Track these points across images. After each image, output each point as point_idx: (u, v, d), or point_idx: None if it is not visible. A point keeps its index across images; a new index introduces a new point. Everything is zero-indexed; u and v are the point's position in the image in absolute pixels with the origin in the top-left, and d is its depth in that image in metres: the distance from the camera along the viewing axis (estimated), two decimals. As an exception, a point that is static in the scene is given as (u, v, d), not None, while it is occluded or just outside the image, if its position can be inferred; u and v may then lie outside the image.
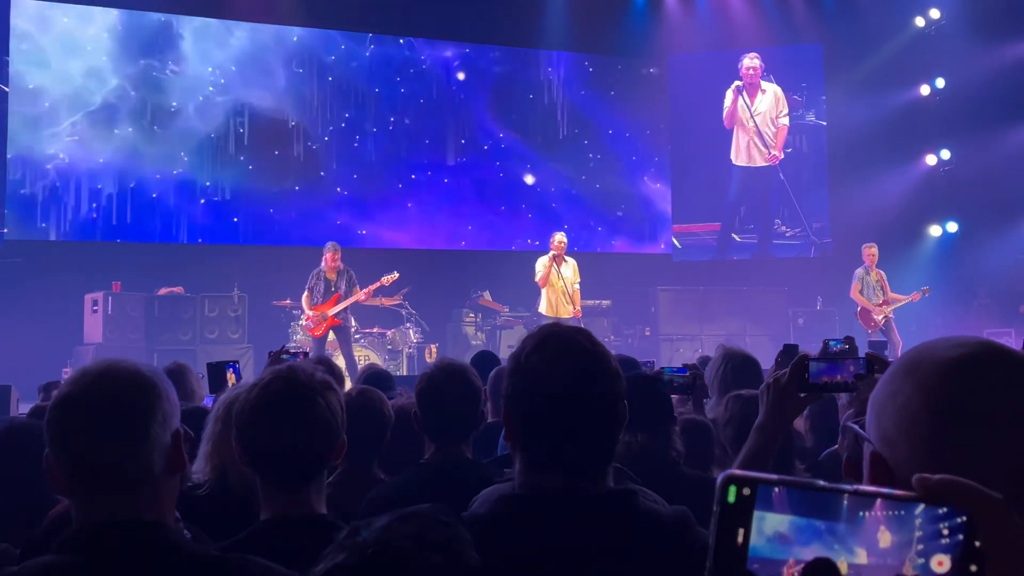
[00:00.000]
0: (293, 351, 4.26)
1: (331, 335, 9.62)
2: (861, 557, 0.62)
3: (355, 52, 13.02)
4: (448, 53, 13.50)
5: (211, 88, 12.22)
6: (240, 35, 12.43)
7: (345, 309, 9.48)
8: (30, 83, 11.37)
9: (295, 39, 12.72)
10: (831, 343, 4.11)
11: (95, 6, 11.70)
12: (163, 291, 10.94)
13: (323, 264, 9.50)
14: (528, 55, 13.83)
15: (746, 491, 0.64)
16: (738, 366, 3.71)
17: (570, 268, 9.64)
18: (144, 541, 1.40)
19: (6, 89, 11.17)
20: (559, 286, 9.57)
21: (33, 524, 2.44)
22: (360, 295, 9.49)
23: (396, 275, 9.80)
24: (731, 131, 14.20)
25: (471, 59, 13.60)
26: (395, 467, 2.85)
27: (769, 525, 0.64)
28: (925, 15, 13.21)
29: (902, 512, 0.63)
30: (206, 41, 12.25)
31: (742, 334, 12.61)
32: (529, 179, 13.72)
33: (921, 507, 0.63)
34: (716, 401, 3.58)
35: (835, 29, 13.63)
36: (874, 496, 0.64)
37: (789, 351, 4.06)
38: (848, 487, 0.65)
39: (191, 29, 12.19)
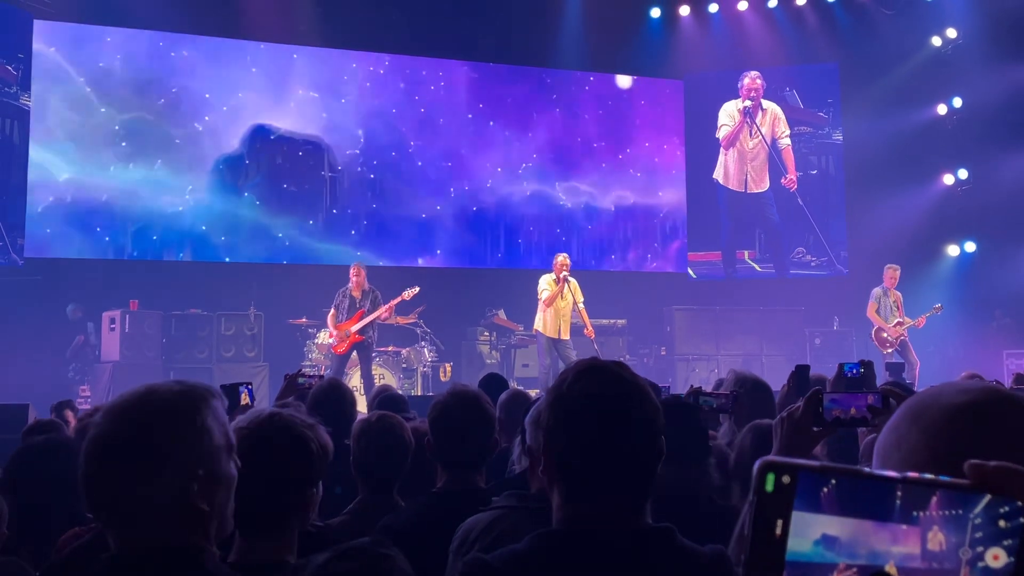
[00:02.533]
0: (308, 374, 4.27)
1: (353, 353, 9.66)
2: (915, 560, 0.59)
3: (373, 73, 13.09)
4: (465, 74, 13.56)
5: (226, 109, 12.31)
6: (256, 57, 12.53)
7: (371, 327, 9.53)
8: (50, 104, 11.50)
9: (309, 59, 12.81)
10: (846, 367, 4.04)
11: (113, 26, 11.82)
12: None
13: (350, 282, 9.59)
14: (545, 74, 13.87)
15: (786, 479, 0.60)
16: (750, 391, 3.68)
17: (574, 289, 9.61)
18: (181, 567, 1.40)
19: (28, 106, 11.29)
20: (563, 307, 9.53)
21: (49, 539, 2.47)
22: (382, 311, 9.53)
23: (416, 289, 9.85)
24: (728, 151, 14.22)
25: (488, 79, 13.65)
26: (410, 491, 2.85)
27: (816, 527, 0.60)
28: (942, 34, 13.17)
29: (959, 512, 0.59)
30: (221, 63, 12.36)
31: (758, 354, 12.56)
32: (545, 198, 13.72)
33: (981, 506, 0.59)
34: (728, 427, 3.55)
35: (851, 48, 13.62)
36: (926, 484, 0.60)
37: (801, 372, 4.00)
38: (897, 475, 0.61)
39: (207, 51, 12.30)
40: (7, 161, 11.11)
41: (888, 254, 11.36)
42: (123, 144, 11.77)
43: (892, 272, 10.60)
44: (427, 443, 2.63)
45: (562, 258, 9.66)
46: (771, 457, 0.62)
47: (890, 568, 0.59)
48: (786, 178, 13.99)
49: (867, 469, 0.62)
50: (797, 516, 0.60)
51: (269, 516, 1.75)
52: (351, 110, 12.92)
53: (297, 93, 12.70)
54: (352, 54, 13.00)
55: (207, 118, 12.21)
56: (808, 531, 0.60)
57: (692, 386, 3.60)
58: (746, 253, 14.16)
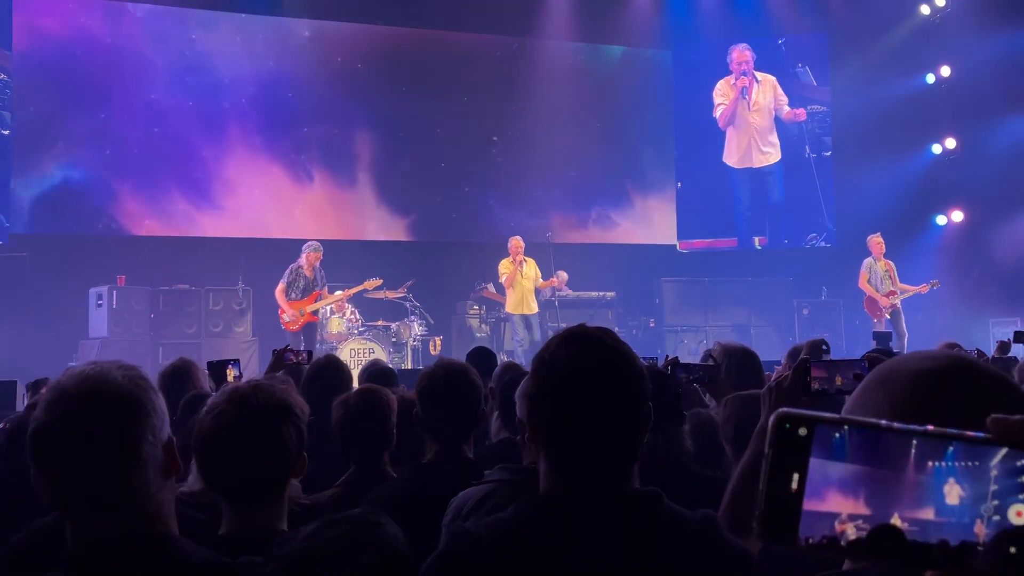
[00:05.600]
0: (296, 349, 4.27)
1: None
2: (928, 513, 0.57)
3: (357, 42, 12.97)
4: (451, 44, 13.43)
5: (215, 80, 12.19)
6: (248, 28, 12.40)
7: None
8: (35, 75, 11.36)
9: (292, 31, 12.69)
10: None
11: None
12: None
13: (303, 262, 9.71)
14: (532, 45, 13.74)
15: (802, 431, 0.59)
16: (740, 362, 3.67)
17: (531, 268, 10.45)
18: (151, 553, 1.38)
19: (9, 80, 11.16)
20: (524, 285, 10.31)
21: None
22: (340, 296, 9.94)
23: (379, 281, 10.21)
24: (727, 129, 14.12)
25: (475, 50, 13.54)
26: (402, 460, 2.87)
27: (824, 474, 0.58)
28: (930, 3, 13.13)
29: (976, 463, 0.57)
30: (208, 33, 12.23)
31: (747, 325, 12.63)
32: (535, 170, 13.65)
33: (999, 457, 0.57)
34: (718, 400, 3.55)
35: (840, 17, 13.56)
36: (944, 437, 0.58)
37: (815, 348, 3.98)
38: (918, 427, 0.59)
39: (200, 22, 12.16)
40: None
41: (876, 224, 11.38)
42: (109, 118, 11.65)
43: (876, 240, 10.64)
44: (415, 415, 2.64)
45: (515, 241, 10.39)
46: (788, 409, 0.61)
47: (895, 521, 0.58)
48: (791, 111, 13.82)
49: (885, 422, 0.60)
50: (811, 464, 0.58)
51: (261, 486, 1.75)
52: (334, 81, 12.80)
53: (283, 61, 12.57)
54: (337, 25, 12.88)
55: (196, 88, 12.09)
56: (816, 478, 0.58)
57: (668, 357, 3.59)
58: (756, 240, 14.06)
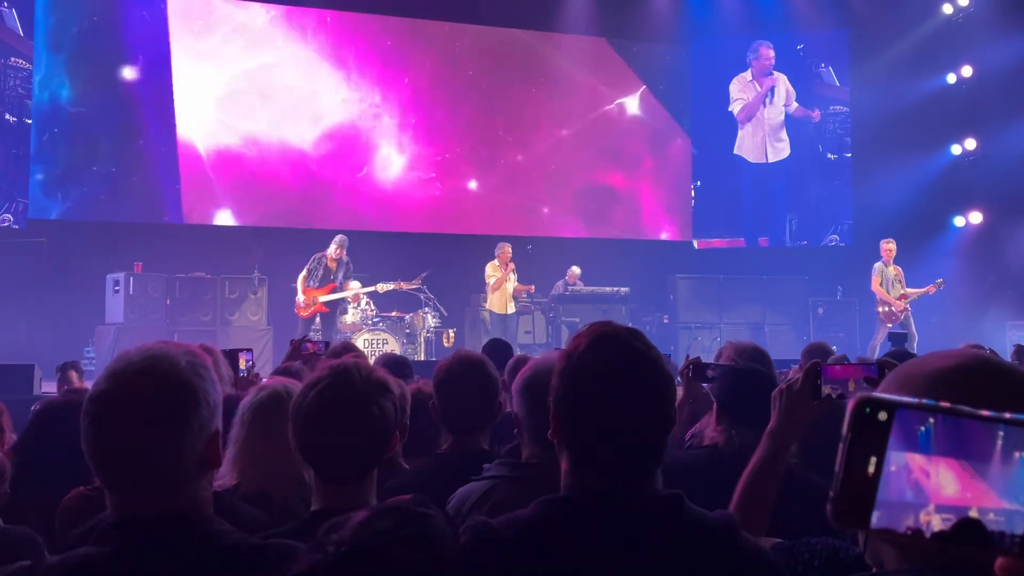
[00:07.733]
0: (313, 339, 4.28)
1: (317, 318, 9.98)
2: (1013, 503, 0.57)
3: (379, 35, 12.98)
4: (469, 35, 13.42)
5: (230, 68, 12.23)
6: (270, 16, 12.44)
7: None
8: (51, 62, 11.43)
9: (307, 19, 12.72)
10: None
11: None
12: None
13: (329, 252, 9.81)
14: (549, 38, 13.71)
15: (882, 416, 0.59)
16: (750, 360, 3.63)
17: (513, 274, 11.14)
18: (183, 533, 1.40)
19: (28, 68, 11.23)
20: (507, 290, 10.97)
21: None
22: (350, 294, 10.02)
23: (391, 286, 10.29)
24: (745, 124, 14.11)
25: (493, 41, 13.51)
26: (414, 452, 2.87)
27: (908, 464, 0.58)
28: (953, 2, 13.01)
29: None
30: (222, 23, 12.28)
31: (762, 323, 12.57)
32: (549, 165, 13.64)
33: None
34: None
35: (862, 15, 13.47)
36: None
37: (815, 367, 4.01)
38: (1005, 415, 0.59)
39: (204, 13, 12.21)
40: (8, 123, 11.07)
41: (893, 224, 11.30)
42: (123, 104, 11.71)
43: (888, 245, 10.59)
44: (432, 407, 2.64)
45: (506, 248, 10.96)
46: (868, 393, 0.61)
47: (974, 513, 0.57)
48: (802, 109, 13.87)
49: (967, 408, 0.59)
50: (890, 454, 0.59)
51: (357, 458, 1.80)
52: (349, 71, 12.82)
53: (300, 49, 12.61)
54: (356, 15, 12.90)
55: (213, 75, 12.14)
56: (900, 467, 0.58)
57: (688, 356, 3.57)
58: (760, 240, 14.06)
